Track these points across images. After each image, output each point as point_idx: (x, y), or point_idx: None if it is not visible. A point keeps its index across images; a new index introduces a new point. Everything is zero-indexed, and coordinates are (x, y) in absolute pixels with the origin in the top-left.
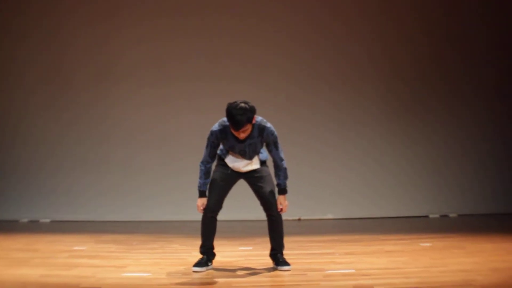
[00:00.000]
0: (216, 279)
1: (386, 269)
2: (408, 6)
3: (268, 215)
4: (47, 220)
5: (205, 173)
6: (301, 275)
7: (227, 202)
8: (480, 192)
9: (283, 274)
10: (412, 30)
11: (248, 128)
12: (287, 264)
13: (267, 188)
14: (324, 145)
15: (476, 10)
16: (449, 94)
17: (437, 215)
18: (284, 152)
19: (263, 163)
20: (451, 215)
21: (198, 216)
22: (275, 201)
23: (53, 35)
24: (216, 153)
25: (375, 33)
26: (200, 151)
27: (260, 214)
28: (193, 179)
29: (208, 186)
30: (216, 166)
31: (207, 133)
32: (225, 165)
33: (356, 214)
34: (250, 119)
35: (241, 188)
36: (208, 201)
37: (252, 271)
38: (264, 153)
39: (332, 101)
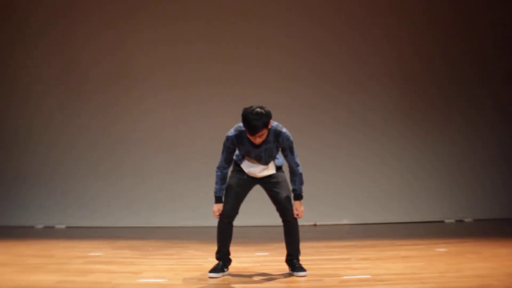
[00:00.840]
0: (232, 285)
1: (402, 274)
2: (416, 4)
3: (284, 221)
4: (63, 226)
5: (221, 178)
6: (317, 280)
7: (243, 207)
8: (495, 197)
9: (299, 280)
10: (421, 29)
11: (264, 133)
12: (303, 269)
13: (283, 194)
14: (337, 150)
15: (485, 7)
16: (461, 98)
17: (452, 220)
18: (299, 156)
19: (279, 168)
20: (466, 220)
21: (214, 222)
22: (291, 206)
23: (67, 38)
24: (232, 158)
25: (385, 33)
26: (215, 155)
27: (276, 219)
28: (209, 184)
29: (224, 192)
30: (232, 171)
31: (222, 137)
32: (241, 170)
33: (371, 219)
34: (266, 124)
35: (257, 193)
36: (224, 206)
37: (268, 277)
38: (280, 159)
39: (346, 106)
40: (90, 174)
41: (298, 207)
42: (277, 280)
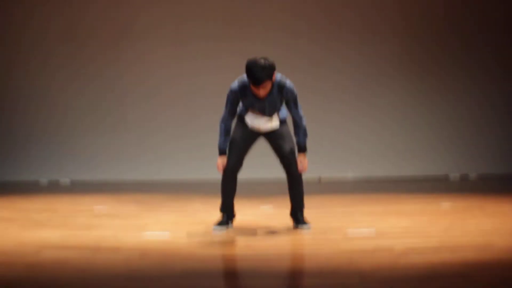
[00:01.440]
0: (236, 238)
1: (406, 229)
2: None
3: (288, 174)
4: (67, 180)
5: (225, 131)
6: (321, 234)
7: (247, 160)
8: (500, 152)
9: (303, 233)
10: None
11: (268, 84)
12: (307, 223)
13: (287, 146)
14: (343, 105)
15: None
16: (466, 54)
17: (457, 175)
18: (303, 110)
19: (283, 121)
20: (471, 174)
21: (218, 175)
22: (295, 159)
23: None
24: (235, 111)
25: None
26: (218, 108)
27: (280, 172)
28: (213, 136)
29: (228, 145)
30: (236, 124)
31: (226, 91)
32: (245, 123)
33: (376, 173)
34: (270, 76)
35: (262, 147)
36: (228, 159)
37: (272, 231)
38: (284, 111)
39: (351, 61)
40: (95, 128)
41: (302, 160)
42: (281, 233)
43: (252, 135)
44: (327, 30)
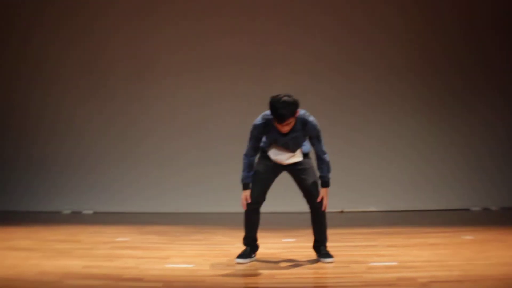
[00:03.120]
0: (259, 271)
1: (429, 261)
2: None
3: (311, 207)
4: (90, 211)
5: (249, 165)
6: (344, 267)
7: (270, 194)
8: None
9: (326, 266)
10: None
11: (292, 121)
12: (330, 256)
13: (310, 180)
14: (365, 137)
15: None
16: (487, 85)
17: (478, 208)
18: (325, 143)
19: (305, 155)
20: (492, 208)
21: (239, 208)
22: (318, 193)
23: (89, 27)
24: (259, 146)
25: (405, 24)
26: (241, 139)
27: (303, 206)
28: (236, 168)
29: (251, 179)
30: (259, 158)
31: (248, 120)
32: (268, 157)
33: (398, 206)
34: (293, 113)
35: (284, 180)
36: (251, 193)
37: (295, 263)
38: (307, 145)
39: (377, 92)
40: (118, 160)
41: (324, 196)
42: (304, 266)
43: (275, 169)
44: (354, 59)
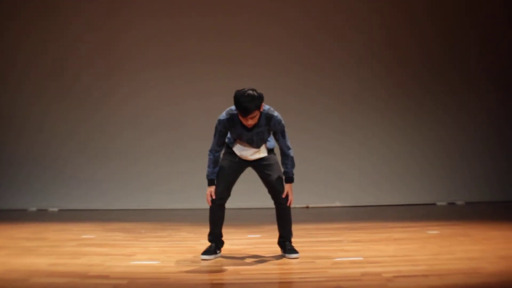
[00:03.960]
0: (224, 267)
1: (394, 256)
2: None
3: (276, 203)
4: (55, 209)
5: (214, 161)
6: (309, 262)
7: (235, 189)
8: (486, 180)
9: (292, 261)
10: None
11: (256, 115)
12: (295, 251)
13: (275, 176)
14: (331, 131)
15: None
16: (455, 81)
17: (444, 203)
18: (291, 138)
19: (270, 151)
20: (458, 202)
21: (206, 204)
22: (283, 188)
23: (62, 28)
24: (224, 141)
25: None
26: (207, 136)
27: (268, 201)
28: (201, 165)
29: (216, 175)
30: (224, 154)
31: (214, 117)
32: (233, 153)
33: (363, 201)
34: (258, 106)
35: (249, 175)
36: (216, 189)
37: (261, 259)
38: (272, 141)
39: (341, 86)
40: (82, 156)
41: (288, 191)
42: (269, 262)
43: (240, 165)
44: (320, 53)
